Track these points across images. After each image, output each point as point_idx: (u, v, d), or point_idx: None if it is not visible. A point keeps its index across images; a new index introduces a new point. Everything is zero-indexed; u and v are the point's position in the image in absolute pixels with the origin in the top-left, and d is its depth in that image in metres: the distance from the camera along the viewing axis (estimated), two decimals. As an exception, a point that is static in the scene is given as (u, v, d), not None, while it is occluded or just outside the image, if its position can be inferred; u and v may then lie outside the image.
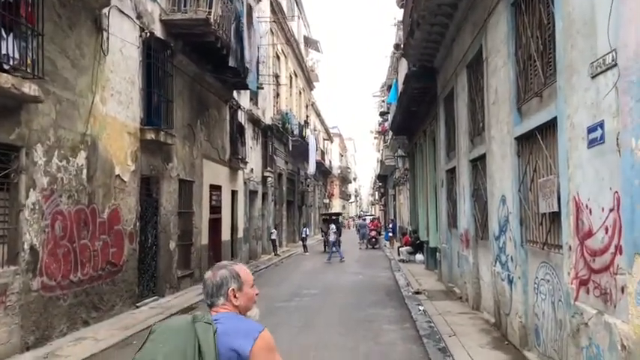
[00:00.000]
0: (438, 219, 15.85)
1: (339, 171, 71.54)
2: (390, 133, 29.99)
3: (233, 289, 2.43)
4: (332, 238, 24.34)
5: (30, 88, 7.30)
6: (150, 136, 11.68)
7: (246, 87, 18.25)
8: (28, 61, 7.40)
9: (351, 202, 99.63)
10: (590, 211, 5.04)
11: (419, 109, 18.16)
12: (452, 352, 7.61)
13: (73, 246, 8.94)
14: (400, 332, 9.09)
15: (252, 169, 22.11)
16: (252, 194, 22.69)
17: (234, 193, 19.47)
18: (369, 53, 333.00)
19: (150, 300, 12.03)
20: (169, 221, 13.21)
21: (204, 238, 15.81)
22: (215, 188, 17.14)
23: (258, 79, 19.49)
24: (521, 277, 7.37)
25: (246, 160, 20.49)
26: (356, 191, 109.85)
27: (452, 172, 13.32)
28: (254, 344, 2.23)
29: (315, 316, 10.38)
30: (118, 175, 10.61)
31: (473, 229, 10.79)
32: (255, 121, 22.83)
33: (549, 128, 6.43)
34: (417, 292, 13.16)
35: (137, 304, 11.35)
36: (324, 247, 27.59)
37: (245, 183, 21.06)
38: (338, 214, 34.86)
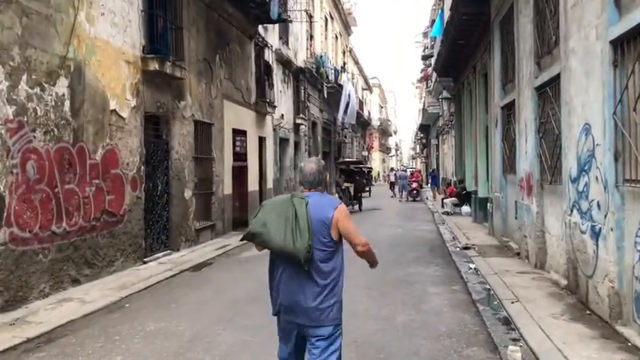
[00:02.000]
0: (489, 165, 13.89)
1: (378, 123, 68.99)
2: (434, 76, 27.66)
3: (327, 177, 3.86)
4: None
5: (-30, -14, 5.70)
6: (153, 66, 10.03)
7: (271, 20, 16.35)
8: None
9: (392, 156, 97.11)
10: None
11: (467, 42, 15.93)
12: (517, 325, 5.89)
13: (54, 191, 7.49)
14: (448, 296, 7.39)
15: (282, 115, 20.39)
16: (283, 142, 21.05)
17: (261, 140, 17.84)
18: None
19: (161, 254, 10.67)
20: (183, 167, 11.71)
21: (227, 188, 14.31)
22: (239, 133, 15.53)
23: (286, 10, 17.52)
24: (615, 228, 5.51)
25: (275, 104, 18.74)
26: (396, 145, 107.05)
27: (509, 108, 11.29)
28: (335, 211, 3.39)
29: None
30: (115, 111, 9.06)
31: (537, 172, 8.87)
32: (285, 63, 20.95)
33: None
34: (466, 248, 11.41)
35: (144, 260, 9.99)
36: None
37: (274, 130, 19.38)
38: (363, 165, 28.89)
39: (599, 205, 5.95)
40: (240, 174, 15.71)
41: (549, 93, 8.13)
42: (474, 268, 9.18)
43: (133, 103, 9.68)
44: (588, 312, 6.18)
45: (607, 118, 5.63)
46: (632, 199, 5.25)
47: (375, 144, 69.11)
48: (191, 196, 12.04)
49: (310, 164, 3.56)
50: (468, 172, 19.42)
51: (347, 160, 30.78)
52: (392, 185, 35.95)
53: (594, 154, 6.07)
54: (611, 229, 5.58)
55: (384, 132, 77.77)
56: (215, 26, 13.71)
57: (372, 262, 3.77)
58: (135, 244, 9.68)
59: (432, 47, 27.16)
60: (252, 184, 16.69)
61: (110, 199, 8.89)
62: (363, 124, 50.84)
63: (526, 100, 9.39)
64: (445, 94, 25.72)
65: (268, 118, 18.39)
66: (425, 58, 34.65)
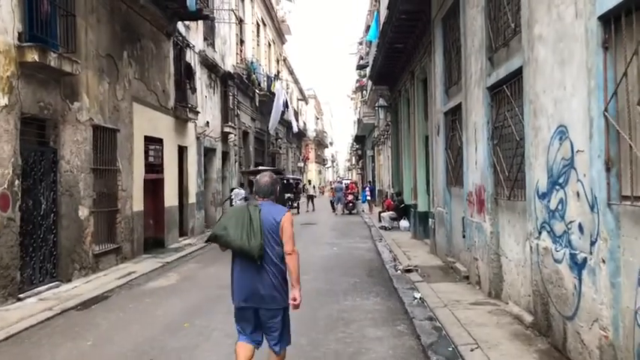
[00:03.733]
0: (432, 177, 12.70)
1: (314, 134, 68.00)
2: (369, 85, 26.67)
3: (279, 189, 4.39)
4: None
5: None
6: (32, 57, 8.13)
7: (191, 17, 14.67)
8: None
9: (328, 168, 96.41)
10: None
11: (405, 45, 14.87)
12: (484, 387, 4.51)
13: None
14: (392, 342, 5.92)
15: (207, 123, 18.57)
16: (208, 152, 19.21)
17: (182, 150, 16.00)
18: (348, 5, 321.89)
19: (44, 287, 8.72)
20: (77, 180, 9.79)
21: (137, 204, 12.41)
22: (153, 141, 13.67)
23: (208, 6, 15.87)
24: (608, 259, 4.24)
25: (198, 109, 16.96)
26: (332, 156, 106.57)
27: (454, 113, 10.12)
28: (283, 216, 4.13)
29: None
30: (-26, 110, 7.16)
31: (491, 186, 7.65)
32: (211, 67, 19.19)
33: None
34: (408, 270, 10.09)
35: (20, 296, 8.03)
36: None
37: (198, 138, 17.54)
38: (281, 173, 24.58)
39: (581, 229, 4.69)
40: (154, 188, 13.85)
41: (506, 92, 6.92)
42: (420, 298, 7.81)
43: (4, 101, 7.76)
44: (568, 363, 4.90)
45: (595, 117, 4.36)
46: (634, 222, 3.98)
47: (312, 155, 68.05)
48: (88, 214, 10.12)
49: (265, 178, 4.29)
50: (406, 184, 18.35)
51: (261, 168, 23.31)
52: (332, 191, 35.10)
53: (573, 163, 4.81)
54: (603, 261, 4.30)
55: (320, 143, 76.85)
56: (123, 18, 11.89)
57: (293, 271, 4.13)
58: (5, 278, 7.70)
59: (367, 54, 26.13)
60: (170, 199, 14.81)
61: (-35, 222, 6.94)
62: (298, 134, 49.48)
63: (475, 103, 8.19)
64: (382, 101, 24.73)
65: (190, 125, 16.58)
66: (360, 67, 33.77)
